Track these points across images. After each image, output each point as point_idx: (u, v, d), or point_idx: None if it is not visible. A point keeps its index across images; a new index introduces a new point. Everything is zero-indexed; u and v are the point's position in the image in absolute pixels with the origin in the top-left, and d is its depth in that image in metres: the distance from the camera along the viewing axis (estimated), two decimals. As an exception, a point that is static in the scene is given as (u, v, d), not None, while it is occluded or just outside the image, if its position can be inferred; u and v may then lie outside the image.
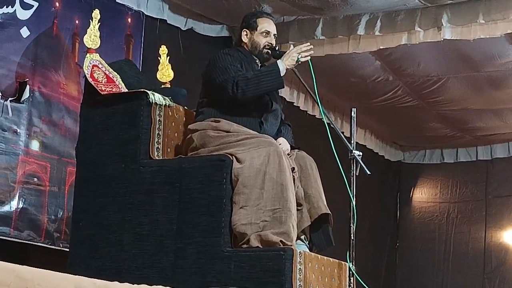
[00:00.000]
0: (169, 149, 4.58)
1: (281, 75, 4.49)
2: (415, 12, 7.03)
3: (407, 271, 10.96)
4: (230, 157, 4.22)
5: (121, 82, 4.81)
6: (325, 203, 4.52)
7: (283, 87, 4.67)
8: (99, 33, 4.83)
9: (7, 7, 5.80)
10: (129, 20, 6.80)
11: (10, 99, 5.79)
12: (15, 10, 5.86)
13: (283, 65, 4.50)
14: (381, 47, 7.42)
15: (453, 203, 10.92)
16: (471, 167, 10.85)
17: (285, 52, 4.59)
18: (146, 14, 6.93)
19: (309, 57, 4.55)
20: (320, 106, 4.46)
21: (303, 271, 4.02)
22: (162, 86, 5.28)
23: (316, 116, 8.81)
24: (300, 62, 4.53)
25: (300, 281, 3.99)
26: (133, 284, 3.13)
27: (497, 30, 6.85)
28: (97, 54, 4.81)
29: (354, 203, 4.32)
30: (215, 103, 4.57)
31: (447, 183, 11.05)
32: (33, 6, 5.99)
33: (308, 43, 4.64)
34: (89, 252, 4.51)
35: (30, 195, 5.86)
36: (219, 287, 4.00)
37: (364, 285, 4.29)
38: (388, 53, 7.86)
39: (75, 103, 6.07)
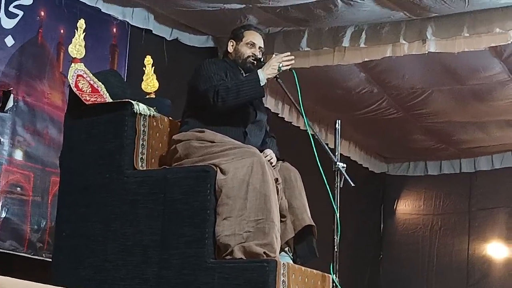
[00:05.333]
0: (153, 160, 4.57)
1: (261, 84, 4.50)
2: (400, 24, 7.05)
3: (391, 283, 10.96)
4: (214, 168, 4.22)
5: (105, 92, 4.80)
6: (309, 215, 4.52)
7: (263, 96, 4.68)
8: (84, 43, 4.83)
9: (-9, 16, 5.80)
10: (114, 30, 6.79)
11: (-7, 108, 5.78)
12: (-1, 18, 5.85)
13: (263, 74, 4.52)
14: (366, 59, 7.44)
15: (436, 215, 10.94)
16: (455, 179, 10.87)
17: (269, 62, 4.61)
18: (132, 24, 6.92)
19: (290, 66, 4.57)
20: (304, 118, 4.47)
21: (286, 283, 4.02)
22: (147, 96, 5.28)
23: (300, 128, 8.82)
24: (281, 71, 4.54)
25: (283, 293, 3.99)
26: (116, 295, 3.12)
27: (481, 43, 6.88)
28: (82, 63, 4.80)
29: (338, 215, 4.32)
30: (199, 113, 4.57)
31: (430, 195, 11.07)
32: (18, 15, 5.98)
33: (289, 53, 4.66)
34: (73, 263, 4.48)
35: (13, 204, 5.83)
36: None
37: (348, 297, 4.29)
38: (373, 65, 7.88)
39: (59, 113, 6.04)
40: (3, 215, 5.76)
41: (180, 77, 6.35)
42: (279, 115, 8.70)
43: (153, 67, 5.41)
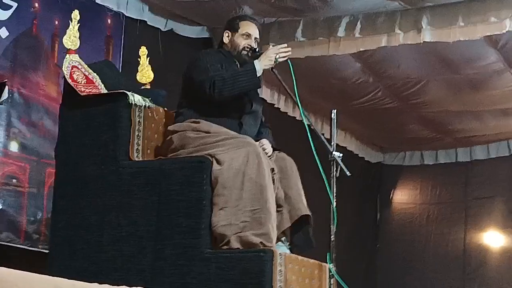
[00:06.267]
0: (149, 151, 4.57)
1: (258, 75, 4.49)
2: (395, 14, 7.05)
3: (387, 273, 10.98)
4: (210, 158, 4.22)
5: (100, 83, 4.80)
6: (306, 204, 4.52)
7: (260, 87, 4.68)
8: (78, 34, 4.82)
9: (-15, 8, 5.79)
10: (109, 21, 6.78)
11: (-12, 100, 5.77)
12: (-7, 10, 5.84)
13: (260, 65, 4.50)
14: (361, 49, 7.43)
15: (432, 204, 10.96)
16: (451, 168, 10.88)
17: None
18: (126, 15, 6.91)
19: (286, 57, 4.56)
20: (300, 108, 4.46)
21: (283, 273, 4.02)
22: (142, 87, 5.27)
23: (296, 118, 8.81)
24: (278, 62, 4.53)
25: (280, 283, 3.99)
26: (112, 285, 3.12)
27: (476, 32, 6.88)
28: (77, 55, 4.79)
29: (334, 204, 4.32)
30: (194, 104, 4.57)
31: (427, 185, 11.08)
32: (12, 6, 5.96)
33: (286, 44, 4.65)
34: (68, 254, 4.49)
35: (9, 196, 5.82)
36: None
37: (345, 285, 4.29)
38: (368, 55, 7.87)
39: (54, 104, 6.03)
40: (-1, 207, 5.76)
41: (175, 68, 6.34)
42: (275, 106, 8.71)
43: (148, 58, 5.39)
